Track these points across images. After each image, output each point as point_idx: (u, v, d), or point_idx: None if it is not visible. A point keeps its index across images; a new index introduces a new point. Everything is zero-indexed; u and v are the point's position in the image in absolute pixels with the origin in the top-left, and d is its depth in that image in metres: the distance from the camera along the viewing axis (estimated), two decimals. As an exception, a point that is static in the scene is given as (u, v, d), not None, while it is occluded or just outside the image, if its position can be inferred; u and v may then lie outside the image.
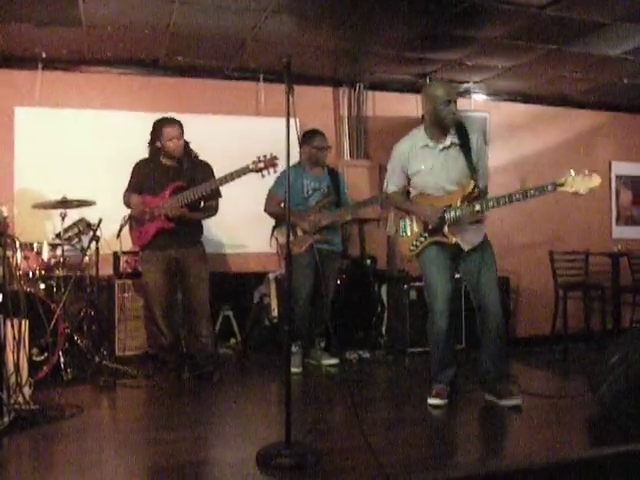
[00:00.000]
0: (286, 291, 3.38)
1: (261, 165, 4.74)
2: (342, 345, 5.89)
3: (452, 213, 4.12)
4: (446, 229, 4.13)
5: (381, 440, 3.39)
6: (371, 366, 5.76)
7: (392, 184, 4.39)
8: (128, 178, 5.04)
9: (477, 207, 4.07)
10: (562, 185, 3.86)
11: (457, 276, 4.35)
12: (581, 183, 3.83)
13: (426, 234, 4.22)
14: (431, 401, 4.15)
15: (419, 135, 4.25)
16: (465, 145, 4.14)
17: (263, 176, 4.79)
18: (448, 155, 4.15)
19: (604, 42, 5.71)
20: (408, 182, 4.33)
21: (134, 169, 5.04)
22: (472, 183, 4.12)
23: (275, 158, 4.74)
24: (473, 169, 4.13)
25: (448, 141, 4.15)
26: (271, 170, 4.78)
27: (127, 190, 5.00)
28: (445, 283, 4.19)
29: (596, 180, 3.83)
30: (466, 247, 4.19)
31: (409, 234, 4.32)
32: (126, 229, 5.05)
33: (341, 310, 6.11)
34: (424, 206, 4.23)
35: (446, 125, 4.13)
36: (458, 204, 4.11)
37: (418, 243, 4.26)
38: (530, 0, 4.84)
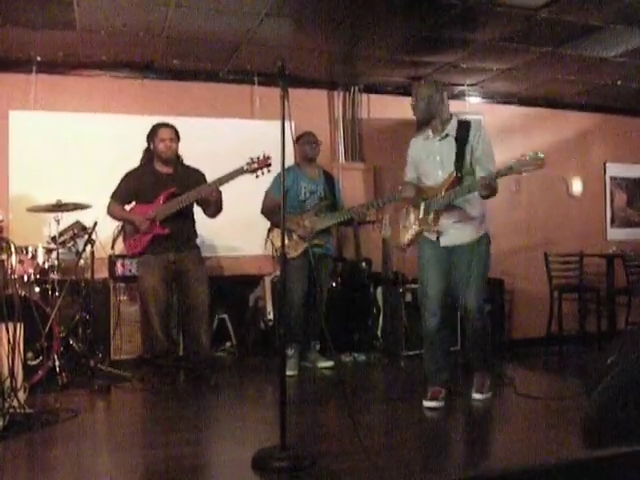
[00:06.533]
0: (281, 294, 3.38)
1: (255, 166, 4.76)
2: (337, 348, 5.89)
3: (433, 202, 4.21)
4: (430, 218, 4.22)
5: (377, 443, 3.39)
6: (366, 369, 5.77)
7: (406, 176, 4.53)
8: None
9: (452, 196, 4.13)
10: (511, 169, 3.85)
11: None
12: (528, 164, 3.79)
13: (417, 222, 4.30)
14: (427, 404, 4.15)
15: (426, 130, 4.41)
16: (462, 138, 4.22)
17: (257, 177, 4.80)
18: (443, 145, 4.27)
19: (598, 44, 5.73)
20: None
21: (124, 178, 5.02)
22: (454, 174, 4.17)
23: (268, 158, 4.75)
24: (460, 160, 4.18)
25: (444, 133, 4.27)
26: (265, 170, 4.79)
27: (112, 198, 5.00)
28: (437, 282, 4.25)
29: (540, 158, 3.77)
30: (443, 242, 4.26)
31: (407, 224, 4.40)
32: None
33: (336, 312, 6.12)
34: (408, 187, 4.37)
35: (422, 123, 4.38)
36: (443, 193, 4.18)
37: (412, 231, 4.35)
38: (524, 2, 4.86)
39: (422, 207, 4.26)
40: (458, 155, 4.19)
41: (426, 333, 4.31)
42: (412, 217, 4.34)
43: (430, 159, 4.31)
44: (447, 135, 4.26)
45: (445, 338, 4.31)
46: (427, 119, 4.31)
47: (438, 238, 4.27)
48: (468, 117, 4.58)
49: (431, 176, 4.30)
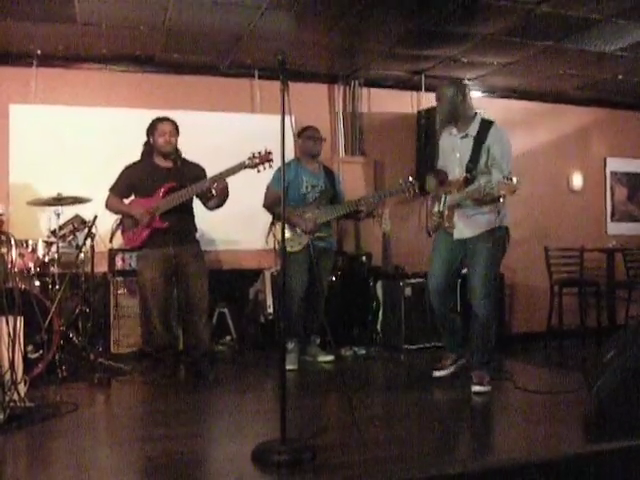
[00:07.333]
0: (281, 288, 3.37)
1: (256, 161, 4.75)
2: (337, 342, 5.89)
3: (448, 198, 4.43)
4: (446, 212, 4.43)
5: (377, 436, 3.39)
6: (366, 362, 5.77)
7: (437, 164, 4.75)
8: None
9: (457, 196, 4.36)
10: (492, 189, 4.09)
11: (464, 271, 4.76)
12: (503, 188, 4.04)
13: (438, 214, 4.53)
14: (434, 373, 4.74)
15: (453, 126, 4.58)
16: (480, 139, 4.36)
17: (259, 171, 4.81)
18: (463, 144, 4.44)
19: (599, 39, 5.72)
20: None
21: (123, 172, 5.00)
22: (464, 174, 4.34)
23: (270, 153, 4.75)
24: (473, 161, 4.33)
25: (466, 132, 4.44)
26: (266, 165, 4.79)
27: (110, 192, 4.99)
28: (440, 267, 4.55)
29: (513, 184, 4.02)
30: (456, 235, 4.46)
31: (434, 211, 4.61)
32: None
33: (337, 307, 6.12)
34: (430, 180, 4.66)
35: (446, 122, 4.58)
36: (454, 192, 4.38)
37: (434, 222, 4.58)
38: (525, -4, 4.85)
39: (442, 200, 4.46)
40: (472, 156, 4.34)
41: (434, 311, 4.67)
42: (437, 207, 4.52)
43: (452, 155, 4.50)
44: (467, 135, 4.42)
45: (446, 314, 4.63)
46: (450, 120, 4.50)
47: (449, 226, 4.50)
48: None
49: (451, 171, 4.50)
